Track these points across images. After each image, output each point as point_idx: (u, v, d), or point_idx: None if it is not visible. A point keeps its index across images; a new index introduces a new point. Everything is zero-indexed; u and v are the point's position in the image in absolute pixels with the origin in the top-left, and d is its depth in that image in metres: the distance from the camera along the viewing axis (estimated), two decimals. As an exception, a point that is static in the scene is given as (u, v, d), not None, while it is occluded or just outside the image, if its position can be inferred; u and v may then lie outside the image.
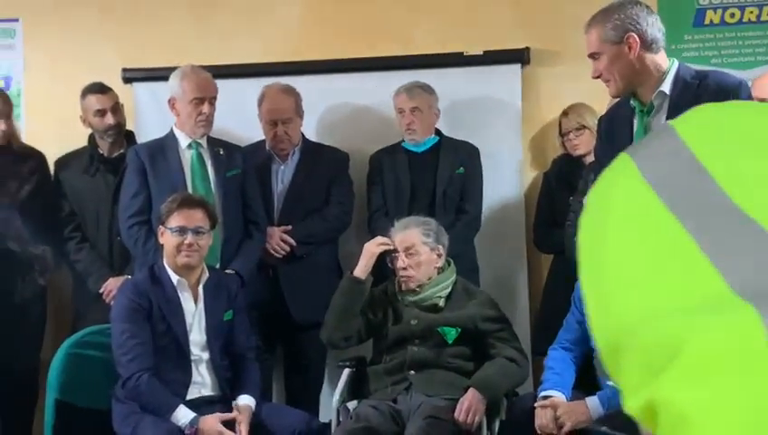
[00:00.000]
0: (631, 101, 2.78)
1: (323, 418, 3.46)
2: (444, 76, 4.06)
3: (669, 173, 0.56)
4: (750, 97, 2.89)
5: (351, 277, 3.36)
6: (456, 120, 4.06)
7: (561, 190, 3.82)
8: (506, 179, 4.11)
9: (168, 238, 3.22)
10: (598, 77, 2.76)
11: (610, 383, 2.88)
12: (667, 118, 2.66)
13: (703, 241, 0.52)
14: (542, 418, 2.98)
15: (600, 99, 3.55)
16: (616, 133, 2.82)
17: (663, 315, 0.51)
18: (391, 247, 3.34)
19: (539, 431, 2.98)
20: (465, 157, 3.90)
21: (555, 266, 3.91)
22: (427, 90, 3.87)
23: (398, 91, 3.87)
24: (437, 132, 3.95)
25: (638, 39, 2.66)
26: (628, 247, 0.56)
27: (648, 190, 0.55)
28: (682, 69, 2.73)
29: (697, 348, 0.49)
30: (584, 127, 3.84)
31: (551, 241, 3.84)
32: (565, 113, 3.93)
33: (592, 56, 2.75)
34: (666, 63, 2.73)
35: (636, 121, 2.78)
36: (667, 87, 2.69)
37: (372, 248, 3.38)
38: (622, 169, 0.58)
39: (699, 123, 0.58)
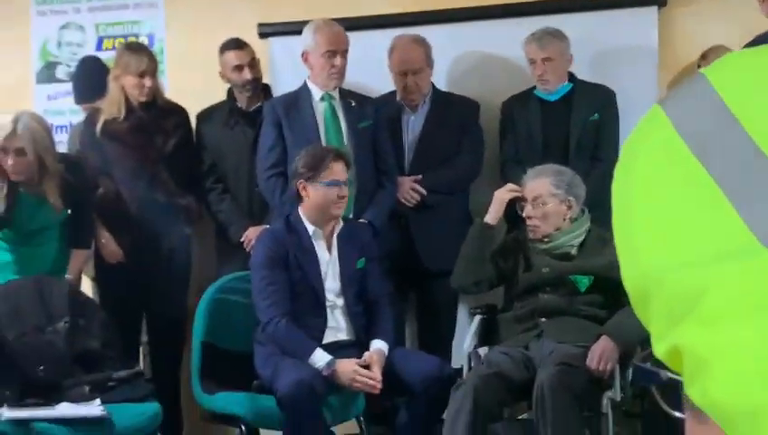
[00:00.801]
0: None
1: (454, 364, 3.51)
2: (576, 20, 3.98)
3: (699, 122, 0.56)
4: None
5: (482, 223, 3.39)
6: (589, 66, 3.98)
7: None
8: (642, 127, 4.01)
9: (321, 192, 3.28)
10: None
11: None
12: None
13: (730, 190, 0.53)
14: None
15: (740, 41, 3.42)
16: None
17: (687, 264, 0.52)
18: (521, 195, 3.34)
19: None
20: (600, 102, 3.83)
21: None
22: (558, 36, 3.80)
23: (529, 40, 3.81)
24: (571, 76, 3.89)
25: None
26: (655, 197, 0.57)
27: (677, 139, 0.56)
28: None
29: (717, 294, 0.51)
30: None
31: None
32: (704, 56, 3.79)
33: None
34: None
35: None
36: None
37: (502, 195, 3.40)
38: (653, 119, 0.59)
39: (732, 70, 0.58)
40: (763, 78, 0.56)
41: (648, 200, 0.57)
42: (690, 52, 3.93)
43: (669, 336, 0.54)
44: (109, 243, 3.81)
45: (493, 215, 3.39)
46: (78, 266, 3.70)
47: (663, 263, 0.55)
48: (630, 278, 0.60)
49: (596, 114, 3.80)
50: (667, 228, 0.55)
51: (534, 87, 3.88)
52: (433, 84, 3.97)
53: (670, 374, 0.59)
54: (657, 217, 0.57)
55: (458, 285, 3.47)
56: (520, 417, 3.24)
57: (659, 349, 0.56)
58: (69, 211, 3.62)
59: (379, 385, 3.16)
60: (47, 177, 3.50)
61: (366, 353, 3.25)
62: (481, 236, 3.39)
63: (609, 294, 3.24)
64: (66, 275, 3.60)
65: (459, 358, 3.57)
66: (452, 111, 3.91)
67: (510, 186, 3.41)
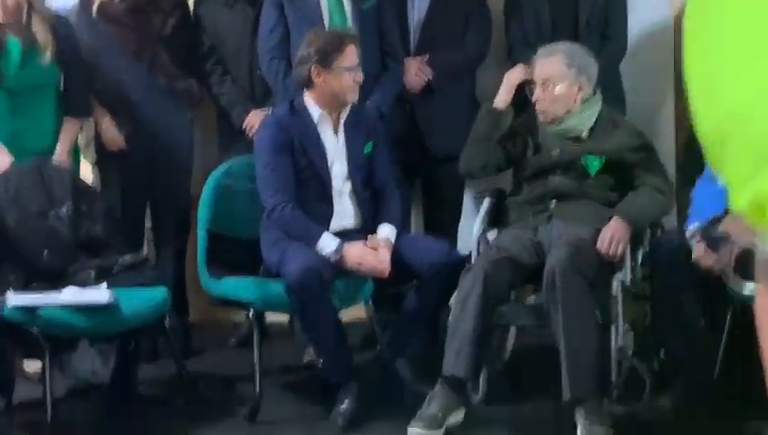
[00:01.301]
0: None
1: (460, 250, 3.49)
2: None
3: None
4: None
5: (490, 107, 3.32)
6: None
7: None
8: (653, 1, 3.91)
9: (337, 78, 3.19)
10: None
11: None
12: None
13: None
14: (699, 250, 2.91)
15: None
16: None
17: None
18: (531, 77, 3.26)
19: (698, 264, 2.92)
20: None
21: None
22: None
23: None
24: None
25: None
26: (739, 25, 0.51)
27: None
28: None
29: None
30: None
31: None
32: None
33: None
34: None
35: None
36: None
37: (512, 77, 3.32)
38: None
39: None
40: None
41: (731, 27, 0.51)
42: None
43: (755, 182, 0.48)
44: (109, 129, 3.73)
45: (502, 98, 3.31)
46: (67, 137, 3.56)
47: (749, 96, 0.49)
48: (706, 116, 0.55)
49: None
50: (753, 58, 0.49)
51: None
52: (440, -38, 3.83)
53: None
54: (741, 46, 0.50)
55: (466, 170, 3.42)
56: (528, 301, 3.22)
57: (741, 198, 0.50)
58: (62, 74, 3.50)
59: (388, 269, 3.14)
60: (36, 18, 3.37)
61: (372, 238, 3.22)
62: (489, 121, 3.33)
63: (620, 176, 3.21)
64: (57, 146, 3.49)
65: (465, 244, 3.55)
66: (458, -9, 3.79)
67: (520, 67, 3.32)
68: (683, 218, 3.16)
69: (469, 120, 3.45)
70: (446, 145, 3.66)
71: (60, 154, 3.51)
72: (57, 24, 3.48)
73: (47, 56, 3.41)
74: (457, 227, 3.89)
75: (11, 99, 3.45)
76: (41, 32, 3.38)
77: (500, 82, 3.39)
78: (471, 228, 3.39)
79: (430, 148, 3.78)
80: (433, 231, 3.83)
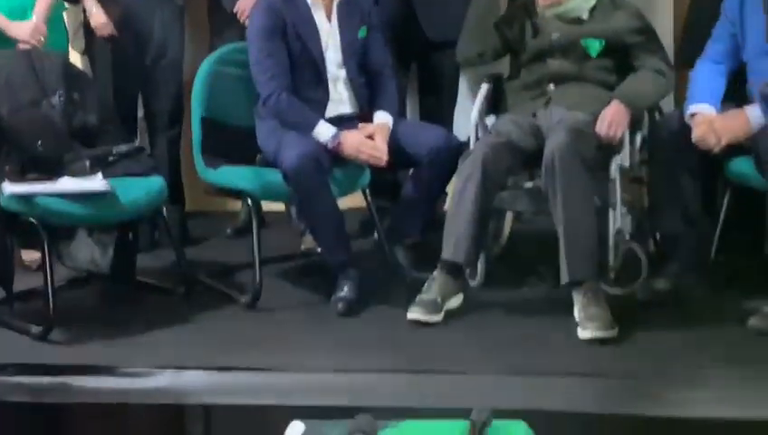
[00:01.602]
0: None
1: (457, 135, 3.47)
2: None
3: None
4: None
5: None
6: None
7: None
8: None
9: None
10: None
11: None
12: None
13: None
14: (700, 131, 2.88)
15: None
16: None
17: None
18: None
19: (698, 145, 2.90)
20: None
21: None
22: None
23: None
24: None
25: None
26: None
27: None
28: None
29: None
30: None
31: None
32: None
33: None
34: None
35: None
36: None
37: None
38: None
39: None
40: None
41: None
42: None
43: None
44: (98, 14, 3.64)
45: None
46: (43, 7, 3.49)
47: None
48: None
49: None
50: None
51: None
52: None
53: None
54: None
55: (463, 58, 3.38)
56: (525, 185, 3.22)
57: None
58: None
59: (386, 157, 3.12)
60: None
61: (369, 125, 3.19)
62: (484, 5, 3.25)
63: (620, 58, 3.17)
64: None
65: (461, 129, 3.52)
66: None
67: None
68: (682, 101, 3.13)
69: (467, 5, 3.38)
70: (443, 30, 3.61)
71: (36, 20, 3.44)
72: None
73: None
74: (453, 112, 3.86)
75: None
76: None
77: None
78: (468, 114, 3.36)
79: (427, 33, 3.72)
80: (429, 117, 3.80)
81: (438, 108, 3.86)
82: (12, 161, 3.09)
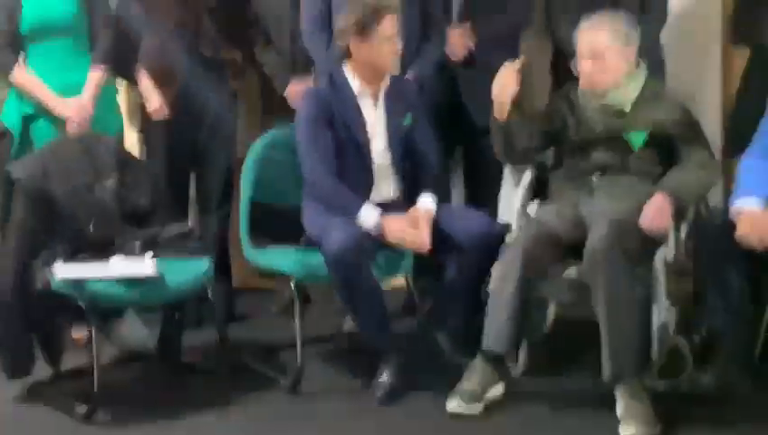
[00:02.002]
0: None
1: (501, 221, 3.47)
2: None
3: None
4: None
5: (495, 121, 3.24)
6: None
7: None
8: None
9: (375, 49, 3.19)
10: None
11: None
12: None
13: None
14: (743, 228, 2.83)
15: None
16: None
17: None
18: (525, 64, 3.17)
19: (741, 242, 2.87)
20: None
21: (753, 61, 3.62)
22: None
23: None
24: None
25: None
26: None
27: None
28: None
29: None
30: None
31: (751, 29, 3.53)
32: None
33: None
34: None
35: None
36: None
37: (498, 93, 3.20)
38: None
39: None
40: None
41: None
42: None
43: None
44: (154, 99, 3.75)
45: (498, 109, 3.22)
46: (92, 85, 3.61)
47: None
48: None
49: None
50: None
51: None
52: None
53: None
54: None
55: (504, 159, 3.38)
56: (567, 273, 3.20)
57: None
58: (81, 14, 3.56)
59: (428, 244, 3.14)
60: None
61: (413, 210, 3.22)
62: (502, 132, 3.25)
63: (664, 150, 3.15)
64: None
65: (505, 214, 3.53)
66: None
67: (504, 74, 3.19)
68: (728, 194, 3.11)
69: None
70: (489, 115, 3.62)
71: (83, 98, 3.55)
72: None
73: None
74: (497, 197, 3.87)
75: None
76: None
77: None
78: (511, 198, 3.37)
79: (473, 118, 3.75)
80: (473, 201, 3.82)
81: (483, 193, 3.87)
82: (65, 241, 3.18)
